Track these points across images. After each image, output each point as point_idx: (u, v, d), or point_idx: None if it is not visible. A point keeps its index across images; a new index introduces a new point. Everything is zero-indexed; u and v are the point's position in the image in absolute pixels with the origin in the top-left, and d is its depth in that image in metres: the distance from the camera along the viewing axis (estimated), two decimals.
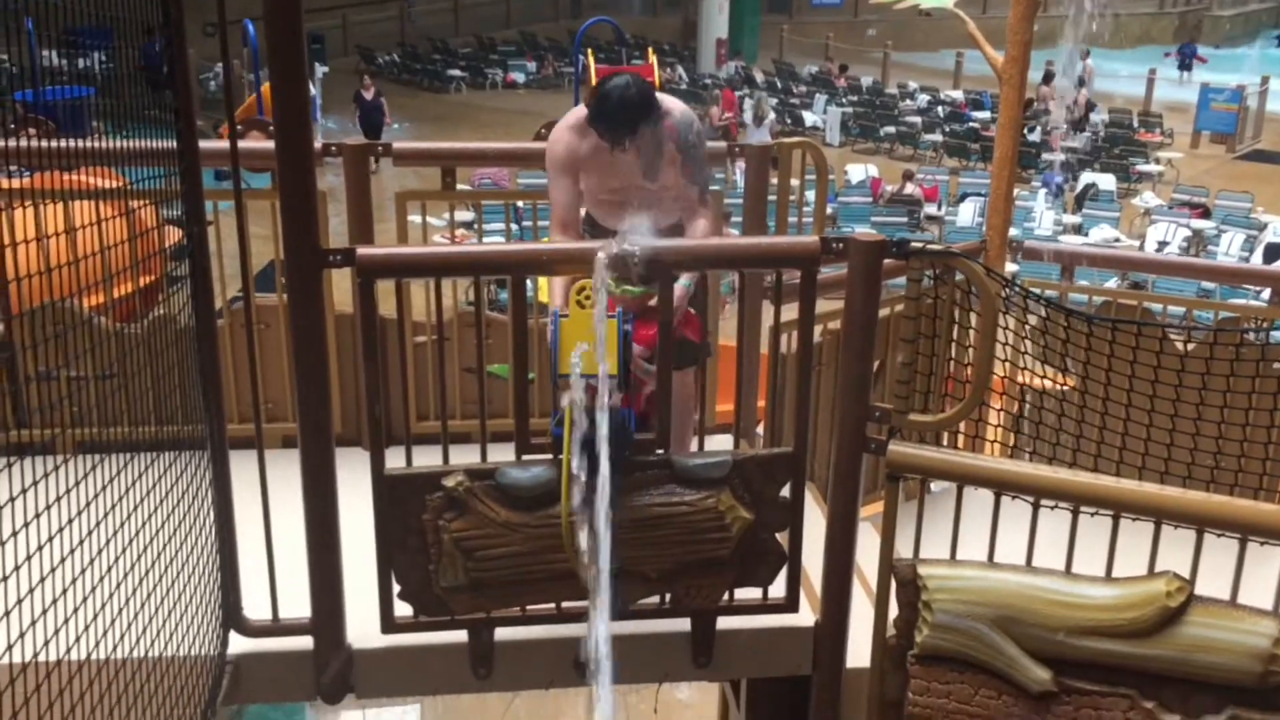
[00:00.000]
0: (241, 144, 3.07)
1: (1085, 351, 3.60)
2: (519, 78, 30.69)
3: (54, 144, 2.54)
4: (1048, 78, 24.57)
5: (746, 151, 4.63)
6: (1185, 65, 31.37)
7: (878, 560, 3.12)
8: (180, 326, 3.14)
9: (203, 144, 2.97)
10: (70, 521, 2.16)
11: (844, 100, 27.07)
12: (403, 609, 3.21)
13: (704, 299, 3.83)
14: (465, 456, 3.25)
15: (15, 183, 3.84)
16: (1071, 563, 2.86)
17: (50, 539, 2.08)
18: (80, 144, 2.67)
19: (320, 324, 2.95)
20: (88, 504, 2.26)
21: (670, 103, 3.71)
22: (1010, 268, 5.26)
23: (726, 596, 3.30)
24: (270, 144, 2.91)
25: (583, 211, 3.83)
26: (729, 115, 21.59)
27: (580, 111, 3.67)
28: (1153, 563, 2.79)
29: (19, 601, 1.98)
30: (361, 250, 2.95)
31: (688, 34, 34.15)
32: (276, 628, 3.28)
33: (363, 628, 3.26)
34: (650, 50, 19.05)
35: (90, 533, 2.26)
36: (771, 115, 21.65)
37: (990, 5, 31.75)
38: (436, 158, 4.69)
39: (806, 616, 3.43)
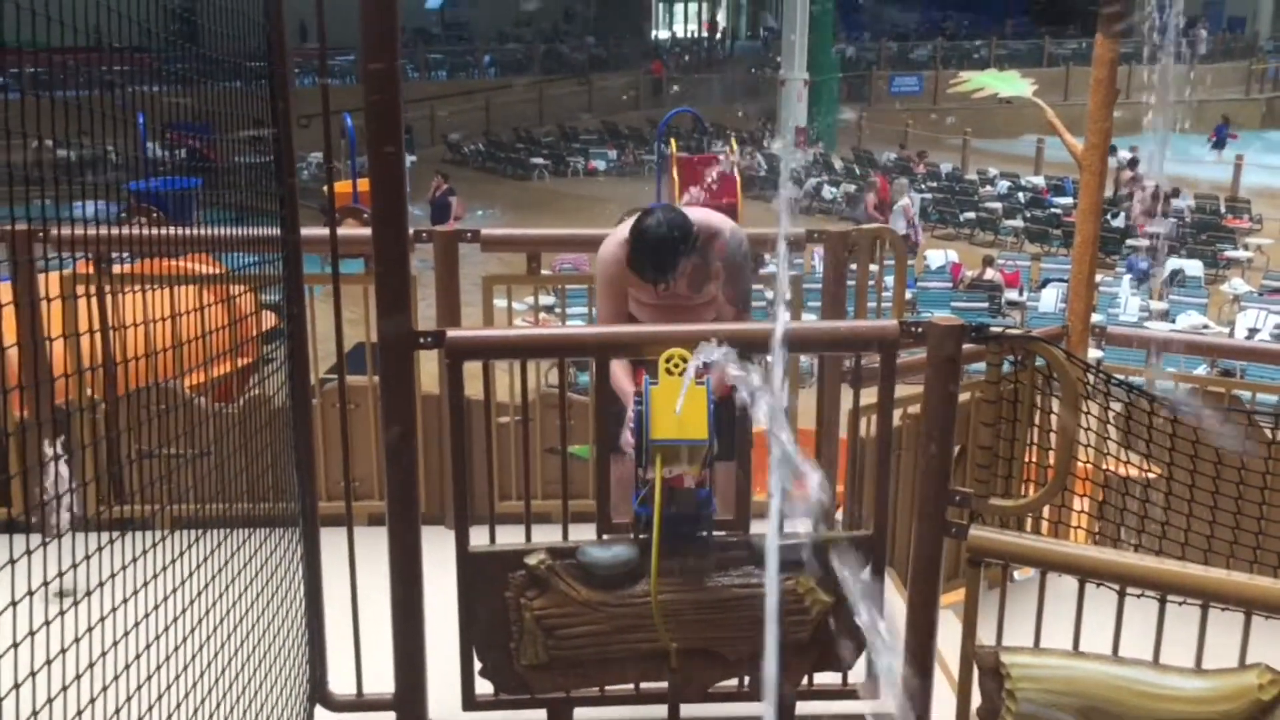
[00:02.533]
0: (339, 231, 3.21)
1: (1170, 438, 3.56)
2: (600, 165, 31.29)
3: (163, 231, 2.69)
4: (1132, 164, 24.40)
5: (825, 237, 4.70)
6: (1219, 144, 31.19)
7: (959, 647, 3.08)
8: (275, 407, 3.26)
9: (303, 231, 3.11)
10: (166, 599, 2.24)
11: (923, 186, 27.12)
12: (484, 686, 3.24)
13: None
14: (546, 536, 3.30)
15: (124, 268, 4.04)
16: (1159, 653, 2.81)
17: (147, 615, 2.16)
18: (186, 232, 2.83)
19: (410, 404, 3.04)
20: (182, 582, 2.34)
21: (720, 222, 3.79)
22: (1094, 354, 5.21)
23: (805, 681, 3.29)
24: (366, 231, 3.04)
25: None
26: (877, 211, 21.73)
27: (628, 226, 3.73)
28: (1243, 654, 2.73)
29: (115, 678, 2.05)
30: (451, 332, 3.04)
31: (767, 122, 34.58)
32: (361, 703, 3.33)
33: (445, 704, 3.29)
34: (733, 139, 19.30)
35: (184, 610, 2.33)
36: (906, 200, 21.73)
37: (1071, 92, 31.78)
38: (522, 244, 4.82)
39: (888, 703, 3.39)
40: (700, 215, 3.77)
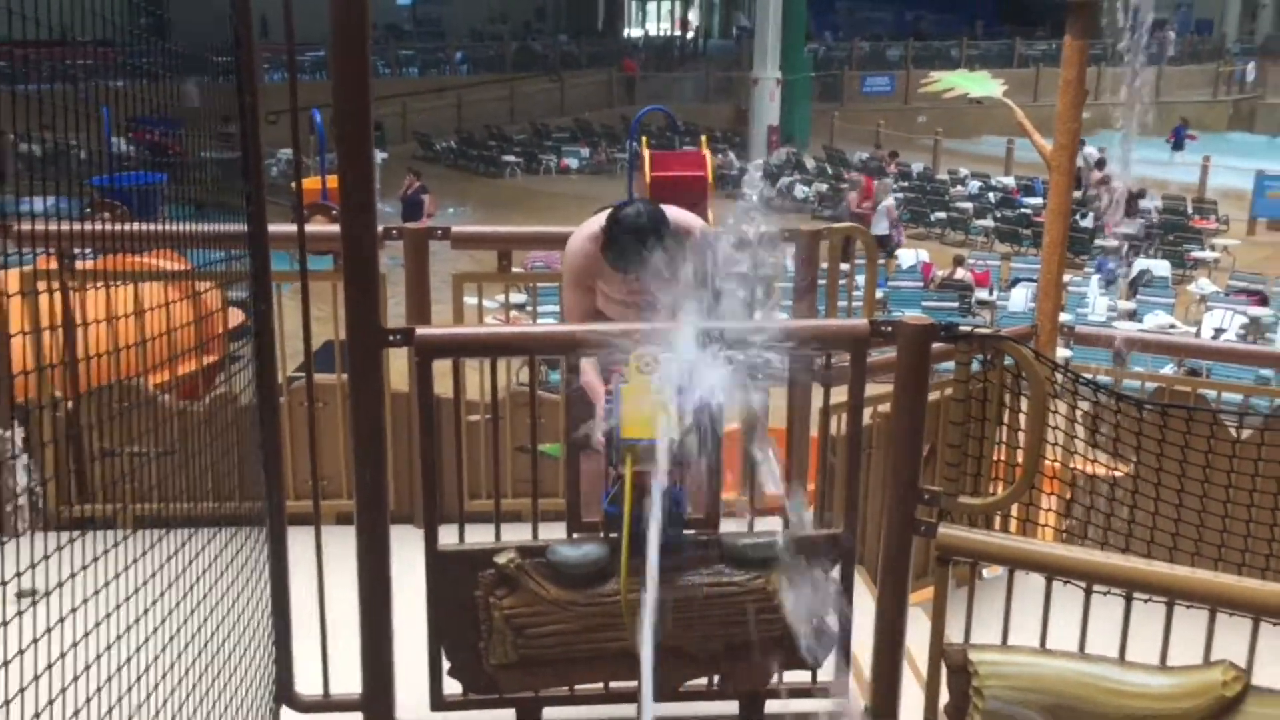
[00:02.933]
0: (307, 228, 3.18)
1: (1137, 437, 3.59)
2: (573, 163, 31.23)
3: (127, 227, 2.66)
4: (1100, 164, 24.59)
5: (796, 237, 4.70)
6: (1179, 145, 31.51)
7: (928, 645, 3.10)
8: (242, 404, 3.23)
9: (271, 228, 3.08)
10: (128, 598, 2.21)
11: (895, 186, 27.24)
12: (452, 686, 3.23)
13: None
14: (516, 535, 3.28)
15: (87, 264, 3.99)
16: (1125, 650, 2.83)
17: (109, 615, 2.13)
18: (152, 228, 2.79)
19: (379, 402, 3.02)
20: (145, 581, 2.31)
21: (692, 221, 3.82)
22: (1063, 353, 5.24)
23: (775, 679, 3.29)
24: (334, 228, 3.02)
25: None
26: (867, 204, 21.74)
27: (599, 221, 3.75)
28: (1208, 651, 2.75)
29: (75, 678, 2.02)
30: (420, 330, 3.02)
31: (739, 121, 34.65)
32: (327, 703, 3.30)
33: (412, 704, 3.27)
34: (704, 138, 19.32)
35: (147, 611, 2.31)
36: (890, 200, 21.80)
37: (1040, 93, 31.98)
38: (493, 241, 4.80)
39: (856, 701, 3.40)
40: (674, 213, 3.78)
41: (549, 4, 43.41)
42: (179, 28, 2.73)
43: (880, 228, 20.89)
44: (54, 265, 4.02)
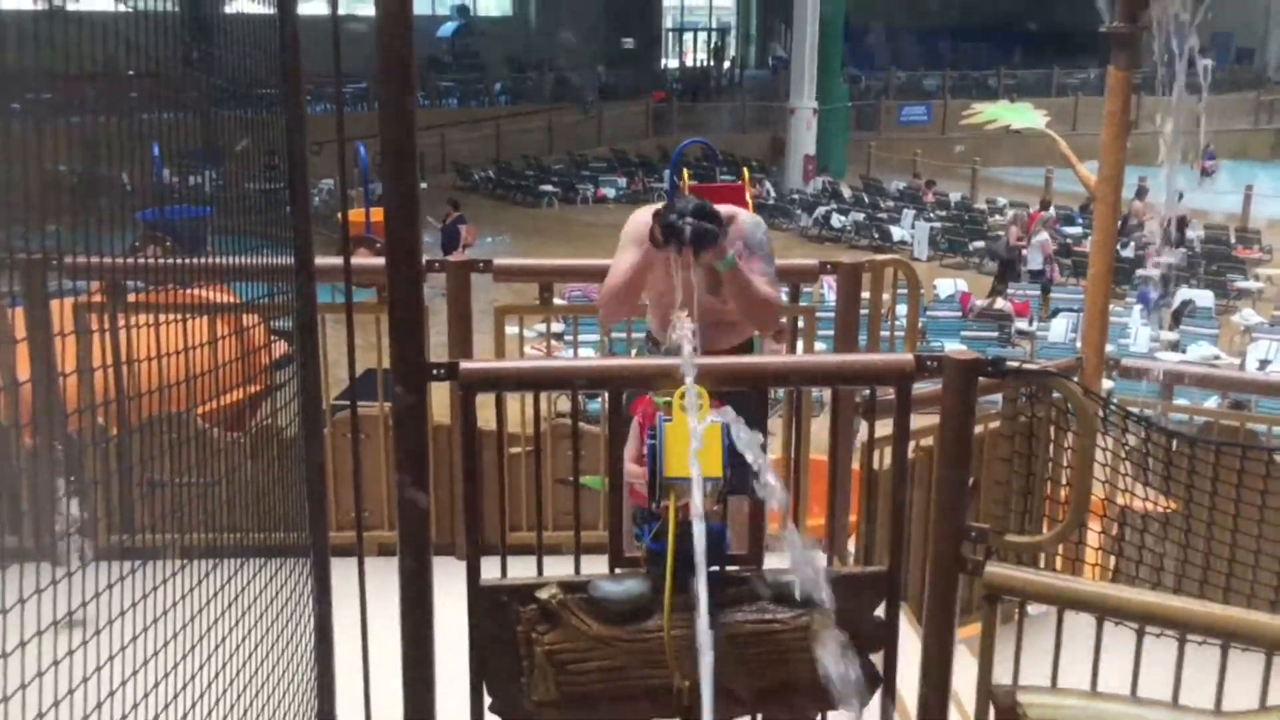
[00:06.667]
0: (353, 261, 3.20)
1: (1187, 474, 3.53)
2: (609, 193, 31.38)
3: (176, 261, 2.69)
4: (1140, 193, 24.41)
5: (837, 268, 4.69)
6: (1204, 171, 31.24)
7: (975, 686, 3.05)
8: (286, 436, 3.24)
9: (317, 260, 3.10)
10: (177, 635, 2.22)
11: (932, 215, 27.15)
12: None
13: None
14: (558, 568, 3.27)
15: (136, 297, 4.03)
16: (1179, 693, 2.78)
17: (158, 652, 2.14)
18: (199, 261, 2.82)
19: (423, 435, 3.03)
20: (193, 617, 2.32)
21: (737, 209, 4.05)
22: (1106, 384, 5.19)
23: (819, 719, 3.25)
24: (379, 261, 3.04)
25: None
26: (1021, 242, 21.67)
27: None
28: (1264, 695, 2.69)
29: (125, 716, 2.03)
30: (464, 364, 3.03)
31: (776, 151, 34.70)
32: None
33: None
34: (746, 172, 19.37)
35: (194, 646, 2.31)
36: (1044, 235, 21.65)
37: (1080, 121, 31.82)
38: (535, 274, 4.82)
39: None
40: (721, 206, 3.95)
41: (587, 36, 43.68)
42: (226, 61, 2.76)
43: (1035, 262, 20.73)
44: (102, 298, 4.07)
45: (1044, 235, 21.56)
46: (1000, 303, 18.70)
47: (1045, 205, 25.24)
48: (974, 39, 44.65)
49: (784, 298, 4.37)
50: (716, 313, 3.93)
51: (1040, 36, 41.59)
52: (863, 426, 3.62)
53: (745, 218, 4.01)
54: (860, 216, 27.73)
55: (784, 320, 4.59)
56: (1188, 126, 4.90)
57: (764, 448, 2.85)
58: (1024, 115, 5.65)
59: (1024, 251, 21.43)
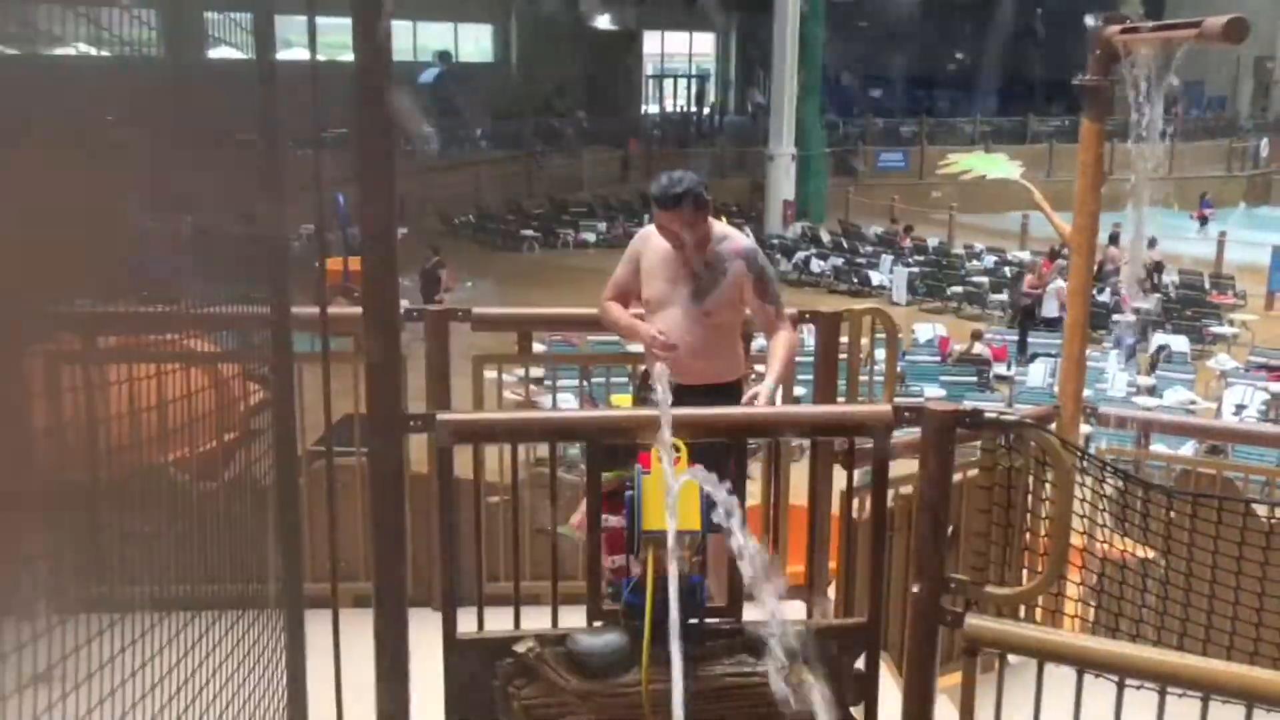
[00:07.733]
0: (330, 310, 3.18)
1: (1165, 525, 3.53)
2: (589, 238, 31.44)
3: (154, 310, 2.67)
4: (1114, 239, 24.61)
5: (817, 316, 4.70)
6: (1202, 219, 31.65)
7: None
8: (260, 486, 3.21)
9: (293, 310, 3.08)
10: (153, 688, 2.19)
11: (910, 260, 27.31)
12: None
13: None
14: (535, 619, 3.24)
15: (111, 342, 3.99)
16: None
17: (135, 705, 2.11)
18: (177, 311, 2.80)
19: (400, 487, 3.00)
20: (170, 670, 2.28)
21: (734, 230, 4.32)
22: (1084, 429, 5.20)
23: None
24: (356, 310, 3.02)
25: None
26: (1036, 290, 21.73)
27: None
28: None
29: None
30: (441, 415, 3.01)
31: (755, 195, 34.90)
32: None
33: None
34: (725, 217, 19.47)
35: (171, 699, 2.28)
36: (1059, 281, 21.66)
37: (1055, 168, 32.15)
38: (514, 323, 4.81)
39: None
40: (718, 224, 4.28)
41: (568, 82, 43.92)
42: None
43: (1050, 309, 20.77)
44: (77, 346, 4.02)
45: (1060, 283, 21.68)
46: (978, 347, 18.78)
47: (1054, 255, 25.35)
48: (950, 86, 45.19)
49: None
50: (695, 316, 4.11)
51: (1015, 84, 42.12)
52: (841, 475, 3.61)
53: (740, 238, 4.27)
54: (839, 261, 27.87)
55: (791, 311, 4.62)
56: (1161, 173, 4.95)
57: (742, 500, 2.84)
58: (999, 166, 5.70)
59: (1040, 298, 21.60)
